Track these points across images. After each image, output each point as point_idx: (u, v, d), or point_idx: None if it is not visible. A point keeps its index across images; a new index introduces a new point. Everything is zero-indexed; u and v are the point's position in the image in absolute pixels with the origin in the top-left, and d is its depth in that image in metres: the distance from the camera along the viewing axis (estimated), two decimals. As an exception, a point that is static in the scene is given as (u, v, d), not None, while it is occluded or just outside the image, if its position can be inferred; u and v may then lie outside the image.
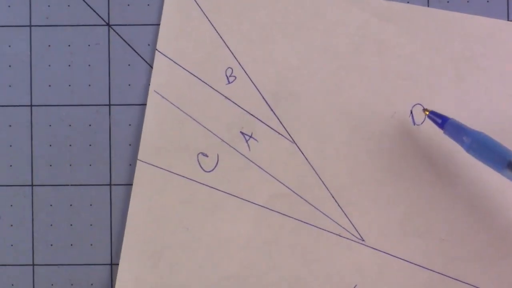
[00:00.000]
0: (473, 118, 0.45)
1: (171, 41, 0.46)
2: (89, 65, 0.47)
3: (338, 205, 0.45)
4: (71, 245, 0.47)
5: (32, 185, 0.47)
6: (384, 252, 0.45)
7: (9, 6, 0.47)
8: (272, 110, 0.46)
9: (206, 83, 0.46)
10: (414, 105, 0.45)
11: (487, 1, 0.46)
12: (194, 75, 0.46)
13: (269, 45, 0.46)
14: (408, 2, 0.46)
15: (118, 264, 0.46)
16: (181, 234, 0.46)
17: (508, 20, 0.46)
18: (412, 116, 0.45)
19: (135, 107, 0.47)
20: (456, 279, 0.45)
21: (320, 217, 0.45)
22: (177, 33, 0.46)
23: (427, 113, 0.43)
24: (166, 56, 0.46)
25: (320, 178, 0.45)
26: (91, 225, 0.47)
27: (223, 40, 0.46)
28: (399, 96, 0.45)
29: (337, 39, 0.46)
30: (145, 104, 0.46)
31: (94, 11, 0.47)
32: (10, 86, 0.47)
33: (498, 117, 0.45)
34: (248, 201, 0.45)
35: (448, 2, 0.46)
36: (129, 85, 0.47)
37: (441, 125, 0.43)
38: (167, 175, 0.46)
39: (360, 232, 0.45)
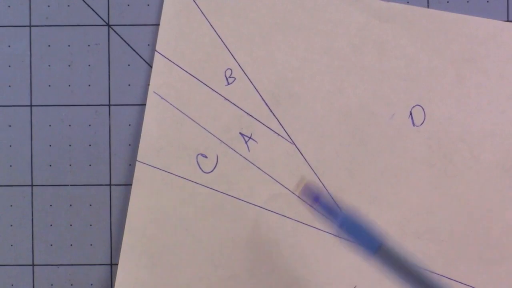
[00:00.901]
0: (473, 119, 0.45)
1: (170, 42, 0.46)
2: (89, 65, 0.47)
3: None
4: (71, 245, 0.47)
5: (32, 185, 0.47)
6: (383, 253, 0.45)
7: (9, 6, 0.47)
8: (271, 111, 0.46)
9: (206, 84, 0.46)
10: (414, 106, 0.45)
11: (487, 1, 0.46)
12: (194, 76, 0.46)
13: (269, 46, 0.46)
14: (408, 3, 0.46)
15: (117, 264, 0.46)
16: (180, 234, 0.46)
17: (508, 20, 0.46)
18: (412, 117, 0.45)
19: (135, 107, 0.47)
20: (456, 281, 0.45)
21: (319, 218, 0.45)
22: (176, 34, 0.46)
23: (302, 186, 0.41)
24: (165, 57, 0.46)
25: (319, 179, 0.45)
26: (90, 225, 0.47)
27: (222, 41, 0.46)
28: (399, 97, 0.45)
29: (337, 40, 0.46)
30: (145, 104, 0.46)
31: (94, 11, 0.47)
32: (10, 86, 0.47)
33: (498, 117, 0.45)
34: (248, 202, 0.45)
35: (448, 2, 0.46)
36: (129, 85, 0.47)
37: (314, 201, 0.41)
38: (166, 176, 0.46)
39: (359, 233, 0.45)
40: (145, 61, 0.47)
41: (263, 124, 0.46)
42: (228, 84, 0.46)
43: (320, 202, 0.41)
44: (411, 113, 0.45)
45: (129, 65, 0.47)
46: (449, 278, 0.45)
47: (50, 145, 0.47)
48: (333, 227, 0.40)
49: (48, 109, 0.47)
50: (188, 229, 0.46)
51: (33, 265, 0.47)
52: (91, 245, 0.47)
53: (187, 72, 0.46)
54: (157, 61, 0.46)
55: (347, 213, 0.40)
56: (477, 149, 0.45)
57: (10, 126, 0.47)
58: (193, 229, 0.46)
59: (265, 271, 0.46)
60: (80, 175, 0.47)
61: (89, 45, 0.47)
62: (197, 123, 0.46)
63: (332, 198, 0.42)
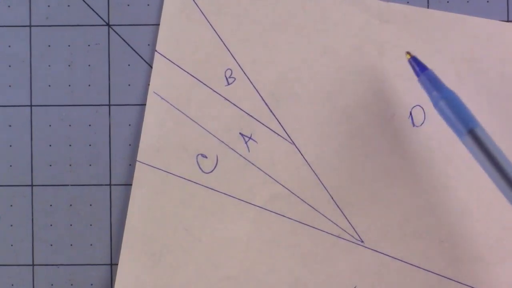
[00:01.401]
0: (473, 119, 0.45)
1: (170, 42, 0.46)
2: (89, 65, 0.47)
3: (338, 206, 0.45)
4: (71, 245, 0.47)
5: (32, 185, 0.47)
6: (384, 254, 0.45)
7: (9, 6, 0.47)
8: (271, 111, 0.46)
9: (206, 84, 0.46)
10: (414, 107, 0.45)
11: (487, 1, 0.46)
12: (194, 76, 0.46)
13: (269, 46, 0.46)
14: (408, 3, 0.46)
15: (117, 264, 0.46)
16: (180, 235, 0.46)
17: (508, 20, 0.46)
18: (412, 118, 0.45)
19: (135, 107, 0.47)
20: (455, 281, 0.45)
21: (319, 219, 0.45)
22: (176, 34, 0.46)
23: (409, 57, 0.43)
24: (165, 57, 0.46)
25: (319, 179, 0.45)
26: (91, 225, 0.47)
27: (222, 41, 0.46)
28: (399, 97, 0.45)
29: (337, 40, 0.46)
30: (145, 104, 0.46)
31: (94, 11, 0.47)
32: (10, 86, 0.47)
33: (498, 118, 0.45)
34: (248, 202, 0.45)
35: (448, 2, 0.46)
36: (129, 85, 0.47)
37: (418, 73, 0.43)
38: (166, 176, 0.46)
39: (359, 234, 0.45)
40: (145, 61, 0.47)
41: (263, 124, 0.46)
42: (228, 84, 0.46)
43: (426, 74, 0.42)
44: (411, 114, 0.45)
45: (129, 65, 0.47)
46: (449, 279, 0.45)
47: (50, 145, 0.47)
48: (431, 101, 0.42)
49: (48, 109, 0.47)
50: (188, 229, 0.46)
51: (33, 265, 0.47)
52: (91, 245, 0.47)
53: (187, 72, 0.46)
54: (157, 61, 0.46)
55: (446, 92, 0.41)
56: (477, 150, 0.45)
57: (10, 126, 0.47)
58: (193, 229, 0.46)
59: (265, 271, 0.46)
60: (80, 175, 0.47)
61: (89, 45, 0.47)
62: (197, 123, 0.46)
63: (435, 76, 0.42)
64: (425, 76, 0.42)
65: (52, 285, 0.47)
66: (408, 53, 0.43)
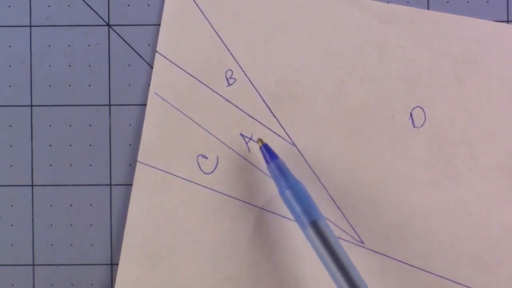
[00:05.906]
0: (473, 121, 0.45)
1: (171, 43, 0.46)
2: (89, 65, 0.47)
3: (338, 207, 0.45)
4: (71, 245, 0.47)
5: (32, 185, 0.47)
6: (384, 255, 0.45)
7: (9, 6, 0.47)
8: (272, 112, 0.46)
9: (206, 85, 0.46)
10: (414, 108, 0.45)
11: (487, 2, 0.46)
12: (194, 77, 0.46)
13: (270, 47, 0.46)
14: (408, 3, 0.46)
15: (118, 264, 0.46)
16: (180, 235, 0.46)
17: (508, 21, 0.46)
18: (412, 119, 0.45)
19: (135, 107, 0.47)
20: (455, 282, 0.45)
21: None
22: (177, 35, 0.46)
23: (261, 144, 0.44)
24: (166, 58, 0.46)
25: (319, 180, 0.45)
26: (91, 225, 0.47)
27: (223, 41, 0.46)
28: (399, 98, 0.45)
29: (337, 41, 0.46)
30: (145, 105, 0.46)
31: (94, 11, 0.47)
32: (10, 86, 0.47)
33: (498, 119, 0.45)
34: (248, 203, 0.46)
35: (448, 2, 0.46)
36: (129, 85, 0.47)
37: (268, 161, 0.44)
38: (166, 176, 0.46)
39: (359, 235, 0.45)
40: (145, 61, 0.47)
41: (263, 125, 0.46)
42: (229, 85, 0.46)
43: (275, 162, 0.44)
44: (411, 115, 0.45)
45: (129, 65, 0.47)
46: (449, 279, 0.45)
47: (50, 145, 0.47)
48: (278, 190, 0.43)
49: (48, 109, 0.47)
50: (188, 230, 0.46)
51: (33, 265, 0.47)
52: (91, 245, 0.47)
53: (187, 73, 0.46)
54: (158, 61, 0.46)
55: (292, 183, 0.42)
56: (478, 151, 0.45)
57: (10, 126, 0.47)
58: (193, 230, 0.46)
59: (265, 271, 0.46)
60: (81, 175, 0.47)
61: (89, 45, 0.47)
62: (197, 123, 0.46)
63: (285, 165, 0.44)
64: (275, 165, 0.43)
65: (52, 285, 0.47)
66: (260, 140, 0.44)
